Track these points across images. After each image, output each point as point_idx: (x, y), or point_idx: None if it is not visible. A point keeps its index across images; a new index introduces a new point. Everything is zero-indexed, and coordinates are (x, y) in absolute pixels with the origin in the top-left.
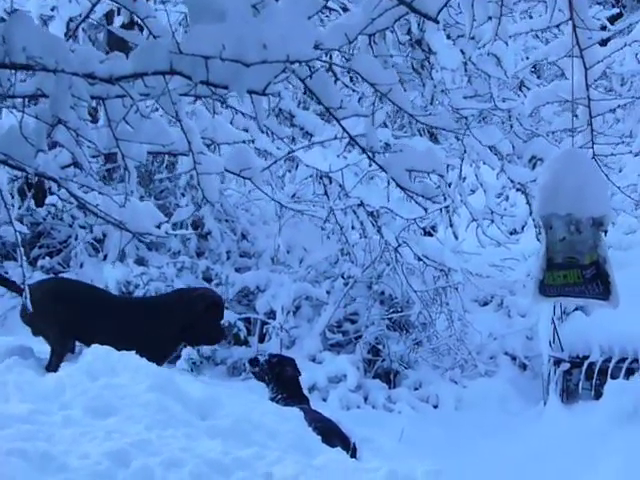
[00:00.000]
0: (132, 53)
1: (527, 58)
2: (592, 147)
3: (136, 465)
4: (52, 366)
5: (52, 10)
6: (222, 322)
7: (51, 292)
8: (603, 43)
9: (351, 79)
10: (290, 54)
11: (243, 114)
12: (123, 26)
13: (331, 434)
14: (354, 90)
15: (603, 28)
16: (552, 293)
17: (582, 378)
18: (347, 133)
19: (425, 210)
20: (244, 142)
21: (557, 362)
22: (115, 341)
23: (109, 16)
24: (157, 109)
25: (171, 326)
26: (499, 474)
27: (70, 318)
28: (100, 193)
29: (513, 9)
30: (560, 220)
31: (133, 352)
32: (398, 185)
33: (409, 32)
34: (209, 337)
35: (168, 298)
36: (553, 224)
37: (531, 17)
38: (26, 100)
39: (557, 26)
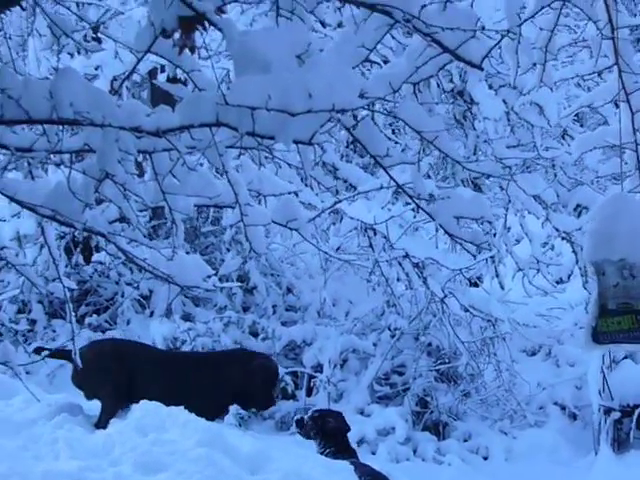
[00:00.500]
0: (178, 106)
1: (569, 107)
2: None
3: None
4: (101, 423)
5: (96, 69)
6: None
7: (105, 352)
8: None
9: (393, 132)
10: (335, 103)
11: (289, 165)
12: (167, 81)
13: None
14: (397, 142)
15: None
16: (606, 340)
17: (633, 427)
18: (394, 181)
19: (474, 257)
20: (290, 194)
21: (607, 411)
22: (169, 398)
23: (152, 74)
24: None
25: (227, 389)
26: None
27: (123, 376)
28: (148, 247)
29: (557, 55)
30: (613, 266)
31: (182, 407)
32: (446, 232)
33: (451, 82)
34: (261, 403)
35: (226, 359)
36: (606, 270)
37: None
38: (73, 156)
39: (600, 73)
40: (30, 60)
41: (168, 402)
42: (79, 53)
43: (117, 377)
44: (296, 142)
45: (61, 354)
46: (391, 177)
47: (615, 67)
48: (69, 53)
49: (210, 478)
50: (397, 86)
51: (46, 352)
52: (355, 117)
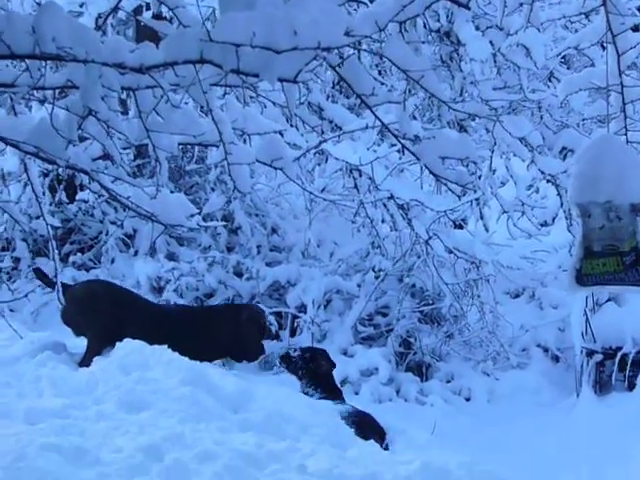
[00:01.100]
0: (162, 42)
1: (556, 48)
2: (626, 134)
3: (169, 459)
4: (85, 362)
5: (81, 6)
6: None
7: (98, 293)
8: (635, 29)
9: (379, 72)
10: (321, 41)
11: (274, 104)
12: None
13: (367, 426)
14: (383, 83)
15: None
16: (590, 282)
17: (615, 369)
18: (380, 121)
19: (459, 198)
20: (275, 133)
21: (590, 354)
22: None
23: (137, 11)
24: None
25: (216, 344)
26: (532, 466)
27: (113, 321)
28: (131, 185)
29: None
30: (599, 207)
31: (165, 346)
32: (432, 173)
33: (438, 22)
34: (252, 354)
35: (214, 315)
36: (591, 212)
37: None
38: (56, 92)
39: (587, 14)
40: None
41: None
42: None
43: (107, 319)
44: (281, 80)
45: (46, 280)
46: (376, 116)
47: (602, 8)
48: None
49: (193, 417)
50: (383, 24)
51: (41, 278)
52: (341, 56)
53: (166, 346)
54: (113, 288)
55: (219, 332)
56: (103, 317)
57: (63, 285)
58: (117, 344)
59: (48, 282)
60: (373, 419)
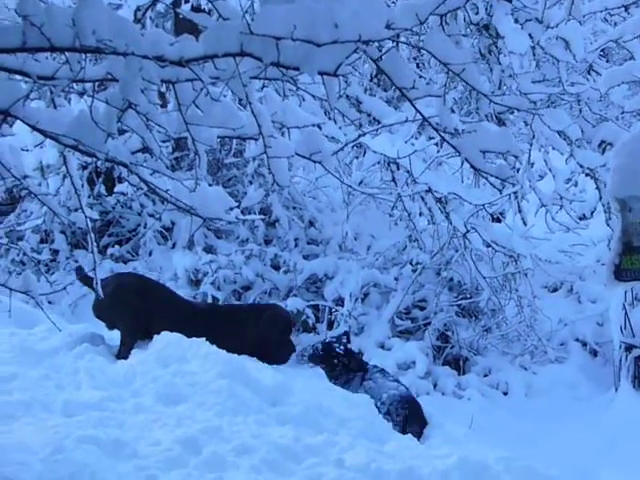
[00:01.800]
0: (202, 35)
1: (596, 42)
2: None
3: (207, 452)
4: (121, 354)
5: None
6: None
7: (128, 286)
8: None
9: (417, 66)
10: (362, 33)
11: (314, 97)
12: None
13: (414, 414)
14: (421, 76)
15: None
16: (629, 277)
17: None
18: (420, 114)
19: (500, 191)
20: (313, 126)
21: (629, 348)
22: None
23: (176, 4)
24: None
25: (240, 339)
26: (570, 461)
27: (142, 313)
28: (170, 178)
29: None
30: (639, 202)
31: (203, 339)
32: (472, 166)
33: (477, 15)
34: (280, 355)
35: (238, 310)
36: (632, 206)
37: None
38: (96, 85)
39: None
40: None
41: None
42: None
43: (137, 312)
44: (321, 73)
45: (88, 281)
46: (417, 110)
47: None
48: None
49: (231, 410)
50: (424, 17)
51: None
52: (380, 49)
53: (204, 339)
54: (143, 281)
55: (243, 332)
56: (133, 310)
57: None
58: (155, 337)
59: (89, 283)
60: (420, 407)
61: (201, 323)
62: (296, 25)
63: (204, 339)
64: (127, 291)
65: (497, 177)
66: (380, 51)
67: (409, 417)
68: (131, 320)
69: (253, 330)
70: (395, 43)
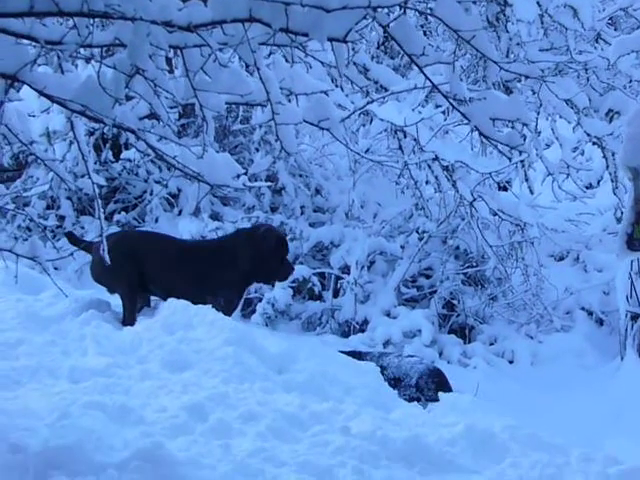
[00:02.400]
0: (211, 0)
1: (604, 10)
2: None
3: (213, 419)
4: (127, 320)
5: None
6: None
7: (115, 247)
8: None
9: (425, 34)
10: None
11: (322, 63)
12: None
13: (444, 383)
14: (429, 44)
15: None
16: None
17: None
18: (430, 81)
19: (509, 159)
20: (321, 93)
21: (634, 317)
22: (187, 285)
23: None
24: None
25: (238, 268)
26: (575, 429)
27: (134, 270)
28: (178, 145)
29: None
30: None
31: (209, 306)
32: (482, 134)
33: None
34: (279, 272)
35: (234, 239)
36: None
37: None
38: (104, 50)
39: None
40: None
41: (182, 290)
42: None
43: (128, 270)
44: (330, 39)
45: (78, 242)
46: (427, 77)
47: None
48: None
49: (237, 377)
50: None
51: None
52: (389, 15)
53: (210, 306)
54: (126, 235)
55: (239, 258)
56: (123, 269)
57: (90, 242)
58: (161, 303)
59: (83, 246)
60: (446, 377)
61: (196, 260)
62: None
63: (210, 307)
64: (116, 254)
65: (507, 145)
66: (389, 17)
67: (438, 388)
68: (125, 282)
69: (247, 251)
70: (403, 10)
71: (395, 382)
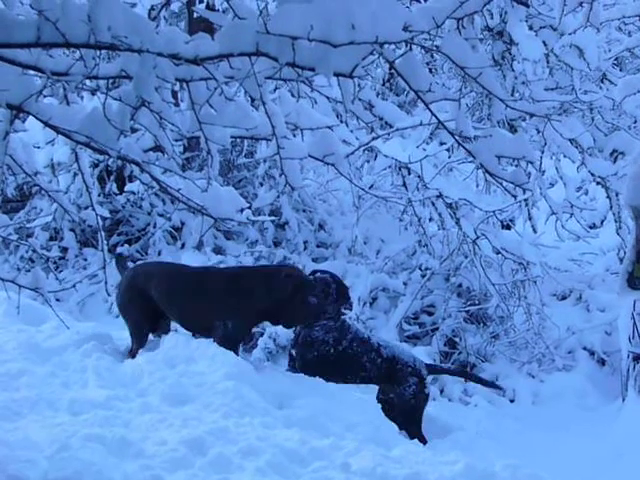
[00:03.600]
0: (218, 33)
1: (609, 50)
2: None
3: (213, 453)
4: (132, 352)
5: None
6: (310, 300)
7: (127, 282)
8: None
9: (430, 70)
10: (379, 35)
11: (328, 98)
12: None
13: None
14: (436, 82)
15: None
16: None
17: None
18: (436, 117)
19: (514, 197)
20: (327, 128)
21: (637, 358)
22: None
23: (190, 4)
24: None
25: (251, 305)
26: (576, 470)
27: (145, 303)
28: (182, 177)
29: None
30: None
31: (211, 340)
32: (487, 171)
33: (492, 19)
34: (295, 316)
35: (249, 274)
36: None
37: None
38: (109, 82)
39: None
40: None
41: (191, 321)
42: None
43: (139, 304)
44: (337, 74)
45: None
46: (433, 113)
47: None
48: None
49: (237, 411)
50: (441, 20)
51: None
52: (396, 52)
53: (211, 340)
54: (138, 269)
55: (256, 296)
56: (135, 303)
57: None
58: (163, 337)
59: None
60: None
61: (208, 287)
62: (313, 25)
63: (211, 340)
64: (127, 287)
65: (512, 182)
66: (395, 54)
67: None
68: (135, 316)
69: (264, 288)
70: (410, 45)
71: None
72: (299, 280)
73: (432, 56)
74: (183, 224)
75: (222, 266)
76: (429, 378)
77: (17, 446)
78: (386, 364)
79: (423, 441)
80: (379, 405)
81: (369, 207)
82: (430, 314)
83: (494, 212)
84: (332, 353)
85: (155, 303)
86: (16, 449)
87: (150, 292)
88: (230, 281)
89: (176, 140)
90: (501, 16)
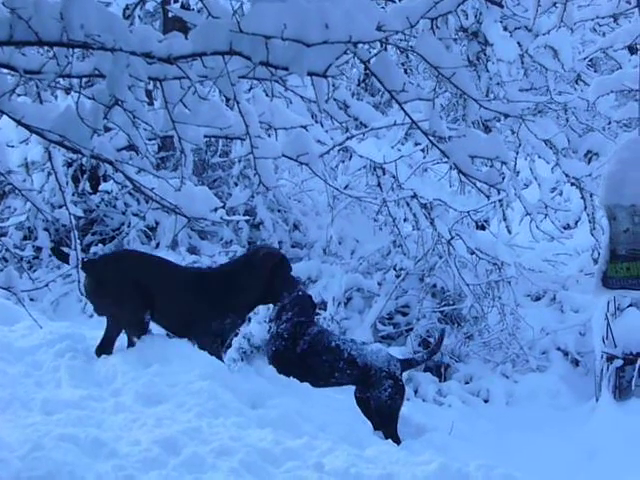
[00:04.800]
0: (191, 32)
1: (584, 52)
2: None
3: (186, 453)
4: (130, 341)
5: None
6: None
7: (121, 265)
8: None
9: (405, 71)
10: (353, 35)
11: (302, 98)
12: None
13: None
14: (410, 82)
15: None
16: (615, 285)
17: (635, 375)
18: (410, 117)
19: (488, 197)
20: (301, 128)
21: (610, 358)
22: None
23: (165, 4)
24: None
25: (248, 292)
26: (550, 470)
27: (143, 292)
28: (155, 177)
29: None
30: (624, 211)
31: (185, 340)
32: (460, 172)
33: (467, 20)
34: (284, 289)
35: (237, 267)
36: (617, 215)
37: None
38: (83, 81)
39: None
40: None
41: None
42: None
43: (135, 291)
44: (310, 74)
45: (64, 257)
46: (406, 113)
47: (635, 11)
48: None
49: (211, 411)
50: (415, 20)
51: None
52: (370, 52)
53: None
54: (130, 254)
55: (244, 286)
56: (131, 290)
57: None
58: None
59: (64, 258)
60: None
61: (205, 286)
62: (286, 24)
63: (186, 340)
64: (116, 272)
65: (486, 183)
66: (370, 53)
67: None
68: (130, 303)
69: (249, 279)
70: (384, 45)
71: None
72: (275, 259)
73: (407, 57)
74: (157, 223)
75: (204, 265)
76: (405, 375)
77: None
78: (358, 372)
79: (397, 441)
80: (355, 403)
81: (344, 207)
82: (404, 314)
83: (468, 212)
84: (291, 350)
85: (149, 294)
86: None
87: (146, 283)
88: (219, 280)
89: (150, 139)
90: (476, 17)
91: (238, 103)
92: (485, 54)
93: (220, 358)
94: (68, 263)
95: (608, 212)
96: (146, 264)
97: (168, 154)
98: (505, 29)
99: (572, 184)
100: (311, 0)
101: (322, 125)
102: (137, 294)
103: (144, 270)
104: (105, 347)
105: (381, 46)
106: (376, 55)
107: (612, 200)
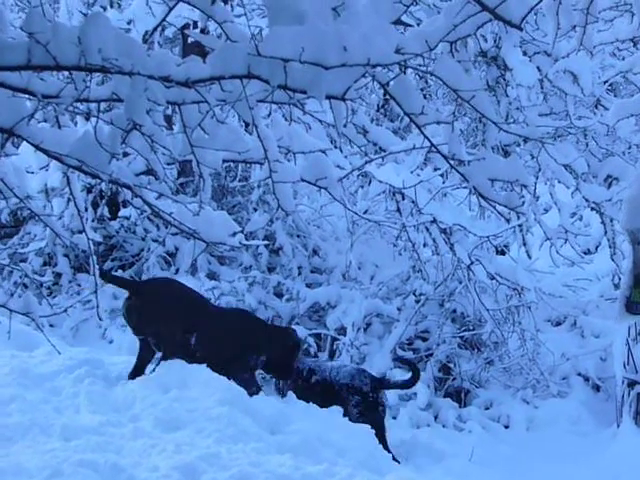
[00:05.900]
0: (209, 56)
1: (604, 76)
2: None
3: (205, 479)
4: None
5: (128, 24)
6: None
7: (170, 289)
8: None
9: (425, 96)
10: (371, 57)
11: (321, 122)
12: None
13: None
14: (429, 107)
15: None
16: (639, 310)
17: None
18: (429, 140)
19: (508, 221)
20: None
21: (631, 384)
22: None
23: (184, 28)
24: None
25: (260, 353)
26: None
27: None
28: (174, 202)
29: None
30: None
31: (204, 365)
32: (480, 195)
33: (486, 43)
34: (283, 374)
35: (262, 326)
36: None
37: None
38: (101, 106)
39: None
40: (61, 13)
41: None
42: (112, 6)
43: (179, 317)
44: (329, 97)
45: (123, 283)
46: (425, 136)
47: None
48: (102, 6)
49: (230, 437)
50: (434, 43)
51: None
52: (388, 75)
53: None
54: (183, 285)
55: (272, 352)
56: (175, 315)
57: (130, 282)
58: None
59: (120, 283)
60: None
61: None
62: (304, 47)
63: (204, 365)
64: (163, 296)
65: (506, 206)
66: (388, 76)
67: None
68: (172, 326)
69: (279, 350)
70: (403, 68)
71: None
72: (297, 341)
73: (426, 82)
74: (177, 249)
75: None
76: (382, 392)
77: (9, 472)
78: (319, 388)
79: (394, 460)
80: (372, 431)
81: (363, 232)
82: (424, 340)
83: (488, 237)
84: None
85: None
86: (8, 475)
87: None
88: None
89: (168, 164)
90: (495, 41)
91: (257, 127)
92: (504, 79)
93: (259, 389)
94: (123, 287)
95: (631, 236)
96: (191, 294)
97: (188, 180)
98: (524, 54)
99: (592, 209)
100: (329, 23)
101: (341, 150)
102: (185, 317)
103: (190, 299)
104: (138, 371)
105: (400, 69)
106: (395, 78)
107: (636, 224)
